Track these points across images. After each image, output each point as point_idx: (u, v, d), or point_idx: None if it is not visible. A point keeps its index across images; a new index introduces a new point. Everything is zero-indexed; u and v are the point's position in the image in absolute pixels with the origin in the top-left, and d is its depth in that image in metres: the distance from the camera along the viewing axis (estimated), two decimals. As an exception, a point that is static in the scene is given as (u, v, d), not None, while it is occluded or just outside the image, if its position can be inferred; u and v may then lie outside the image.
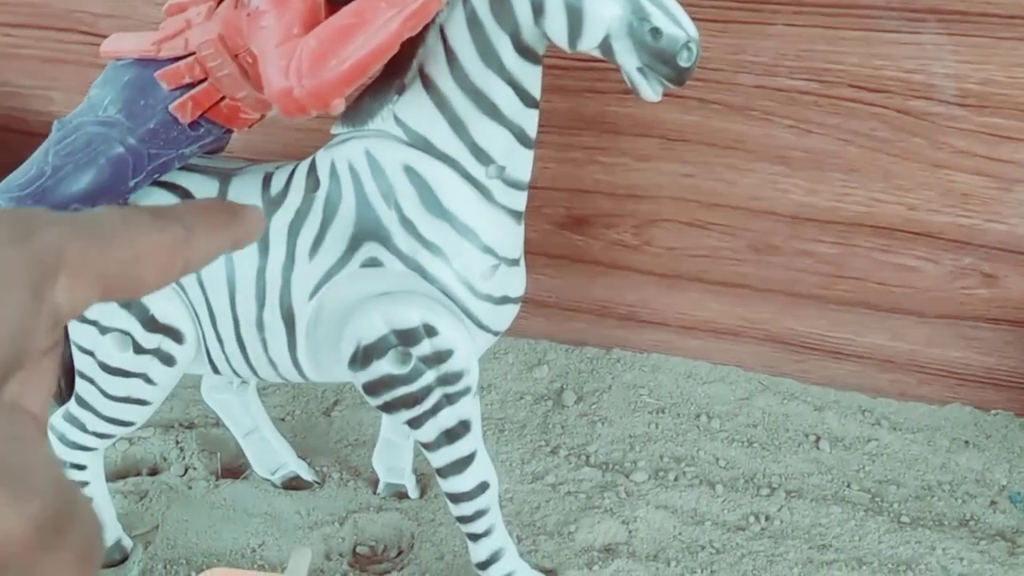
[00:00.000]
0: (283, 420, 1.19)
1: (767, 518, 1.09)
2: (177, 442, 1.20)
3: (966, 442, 1.19)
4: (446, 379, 0.88)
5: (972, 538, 1.07)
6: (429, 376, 0.87)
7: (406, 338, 0.86)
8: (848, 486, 1.14)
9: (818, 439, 1.20)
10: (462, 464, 0.93)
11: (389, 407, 0.90)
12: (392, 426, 1.10)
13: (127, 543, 1.06)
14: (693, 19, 0.73)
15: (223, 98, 0.86)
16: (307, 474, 1.15)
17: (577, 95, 1.17)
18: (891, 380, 1.24)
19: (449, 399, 0.89)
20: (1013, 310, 1.15)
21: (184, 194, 0.90)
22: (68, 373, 1.04)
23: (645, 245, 1.26)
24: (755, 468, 1.16)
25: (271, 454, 1.15)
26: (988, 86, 1.04)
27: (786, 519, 1.09)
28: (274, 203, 0.88)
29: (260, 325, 0.89)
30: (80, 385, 0.95)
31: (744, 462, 1.17)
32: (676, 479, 1.14)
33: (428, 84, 0.82)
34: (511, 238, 0.88)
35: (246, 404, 1.13)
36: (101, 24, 1.26)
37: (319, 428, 1.24)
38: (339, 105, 0.78)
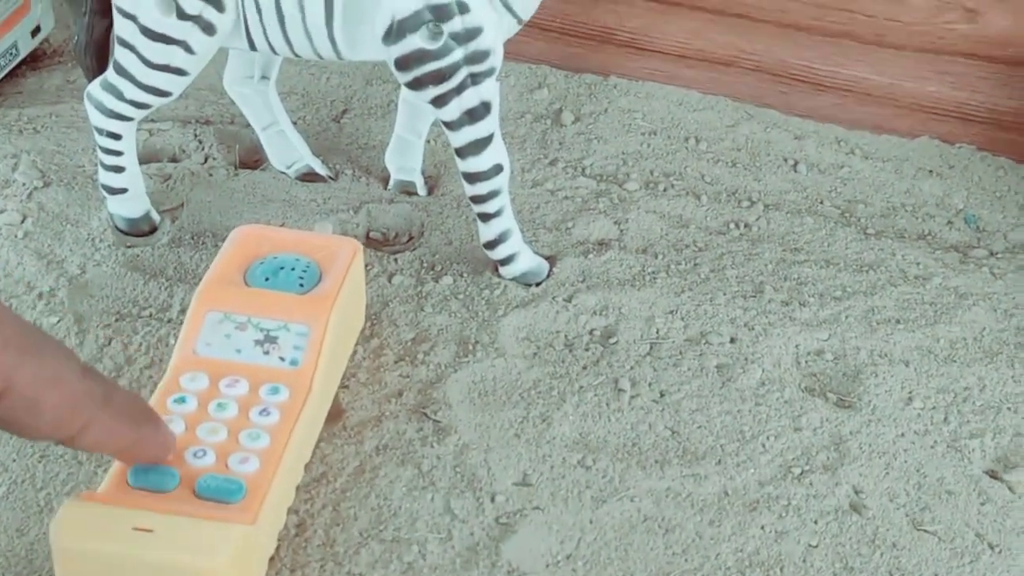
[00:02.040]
0: (295, 124, 1.25)
1: (746, 225, 1.20)
2: (195, 135, 1.25)
3: (930, 171, 1.30)
4: (473, 57, 0.95)
5: (928, 248, 1.18)
6: (458, 53, 0.94)
7: (439, 13, 0.92)
8: (821, 203, 1.24)
9: (796, 163, 1.29)
10: (481, 144, 1.00)
11: (418, 83, 0.97)
12: (406, 124, 1.17)
13: (155, 217, 1.13)
14: None
15: None
16: (321, 169, 1.22)
17: None
18: (867, 112, 1.33)
19: (474, 79, 0.96)
20: (989, 46, 1.24)
21: None
22: (100, 49, 1.09)
23: (649, -29, 1.31)
24: (737, 184, 1.26)
25: (288, 148, 1.21)
26: None
27: (763, 227, 1.20)
28: None
29: (299, -5, 0.94)
30: (120, 53, 1.00)
31: (727, 179, 1.26)
32: (665, 190, 1.24)
33: None
34: None
35: (265, 98, 1.18)
36: None
37: (330, 132, 1.30)
38: None
